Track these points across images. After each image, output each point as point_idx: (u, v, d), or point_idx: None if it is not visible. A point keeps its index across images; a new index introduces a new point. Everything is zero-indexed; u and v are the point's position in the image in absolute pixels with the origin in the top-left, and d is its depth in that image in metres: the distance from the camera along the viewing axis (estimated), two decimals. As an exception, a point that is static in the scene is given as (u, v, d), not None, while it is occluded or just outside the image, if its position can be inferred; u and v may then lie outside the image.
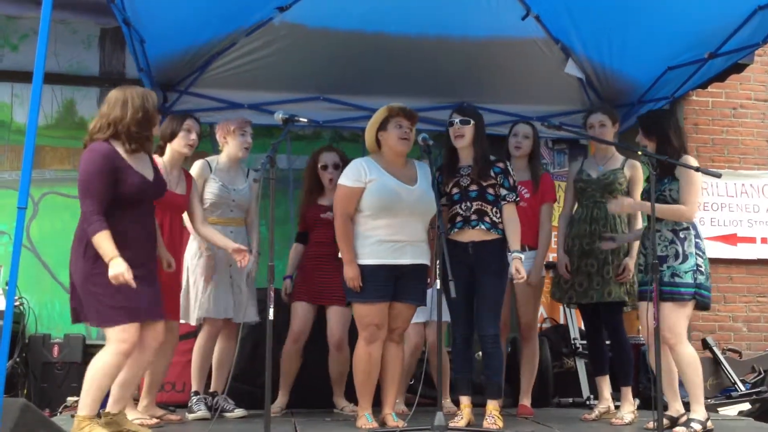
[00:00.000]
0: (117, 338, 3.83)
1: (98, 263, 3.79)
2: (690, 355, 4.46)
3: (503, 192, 4.65)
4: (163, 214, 4.61)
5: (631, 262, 4.97)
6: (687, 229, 4.52)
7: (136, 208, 3.98)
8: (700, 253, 4.50)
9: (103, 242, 3.76)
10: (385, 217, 4.46)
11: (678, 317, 4.43)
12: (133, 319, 3.85)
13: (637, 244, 4.95)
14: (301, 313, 5.29)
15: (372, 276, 4.43)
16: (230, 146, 5.15)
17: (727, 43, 5.55)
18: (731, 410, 6.03)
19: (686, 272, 4.43)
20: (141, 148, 4.00)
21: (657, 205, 4.34)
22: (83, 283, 3.86)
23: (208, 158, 5.16)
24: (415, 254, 4.52)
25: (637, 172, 5.12)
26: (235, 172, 5.18)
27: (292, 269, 5.45)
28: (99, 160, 3.86)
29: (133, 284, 3.75)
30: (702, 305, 4.52)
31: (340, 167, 5.23)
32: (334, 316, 5.26)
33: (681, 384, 4.60)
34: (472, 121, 4.69)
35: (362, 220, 4.51)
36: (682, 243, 4.48)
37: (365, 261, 4.46)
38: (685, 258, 4.45)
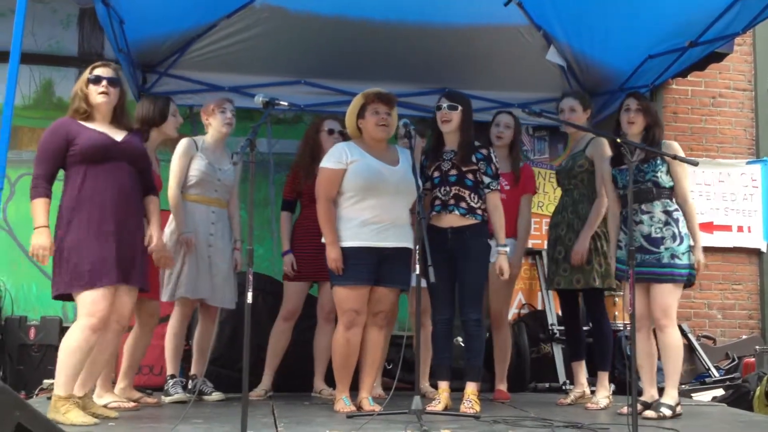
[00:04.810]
0: (85, 312, 3.87)
1: (72, 228, 3.92)
2: (677, 340, 4.54)
3: (486, 180, 4.65)
4: None
5: (579, 246, 4.97)
6: (677, 210, 4.58)
7: (105, 167, 4.03)
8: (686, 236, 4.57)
9: (38, 208, 3.96)
10: (368, 197, 4.45)
11: (673, 300, 4.51)
12: (94, 285, 3.88)
13: (589, 230, 4.97)
14: (297, 291, 5.31)
15: (354, 258, 4.42)
16: (213, 125, 5.16)
17: (708, 32, 5.58)
18: (705, 396, 6.10)
19: (683, 253, 4.48)
20: (87, 115, 4.14)
21: (690, 225, 4.55)
22: (58, 248, 3.93)
23: (194, 137, 5.14)
24: (399, 237, 4.51)
25: (599, 149, 5.04)
26: (221, 153, 5.18)
27: (289, 242, 5.34)
28: (51, 128, 4.11)
29: (46, 262, 3.96)
30: (689, 284, 4.60)
31: (345, 134, 5.20)
32: (329, 290, 5.24)
33: (658, 370, 4.66)
34: (460, 107, 4.70)
35: (345, 202, 4.50)
36: (677, 224, 4.52)
37: (348, 243, 4.45)
38: (682, 239, 4.51)
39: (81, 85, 4.16)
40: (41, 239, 3.90)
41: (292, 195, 5.41)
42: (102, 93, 4.13)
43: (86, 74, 4.17)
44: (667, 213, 4.56)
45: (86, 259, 3.89)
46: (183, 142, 5.06)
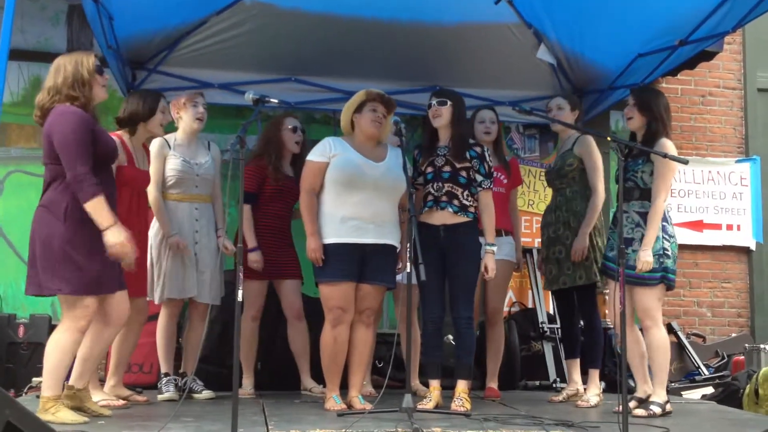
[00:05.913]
0: (74, 315, 3.80)
1: (84, 228, 3.72)
2: (661, 339, 4.52)
3: (479, 178, 4.65)
4: (131, 191, 4.56)
5: (578, 243, 4.97)
6: None
7: (104, 172, 3.94)
8: (667, 237, 4.53)
9: (101, 208, 3.69)
10: (348, 192, 4.45)
11: (650, 300, 4.49)
12: (100, 291, 3.83)
13: (587, 226, 4.98)
14: (260, 290, 5.24)
15: (335, 255, 4.42)
16: (184, 120, 5.09)
17: (697, 30, 5.59)
18: (695, 394, 6.12)
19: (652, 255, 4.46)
20: (84, 107, 3.87)
21: (648, 223, 4.44)
22: (61, 247, 3.73)
23: (165, 136, 5.01)
24: (380, 234, 4.49)
25: (586, 147, 5.08)
26: (195, 147, 5.11)
27: (254, 238, 5.15)
28: (78, 120, 3.77)
29: (132, 258, 3.80)
30: (668, 287, 4.58)
31: (304, 132, 5.31)
32: (290, 288, 5.27)
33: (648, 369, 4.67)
34: (449, 102, 4.70)
35: (327, 197, 4.50)
36: None
37: (328, 240, 4.45)
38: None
39: (85, 71, 3.85)
40: (119, 236, 3.69)
41: (256, 188, 5.19)
42: (105, 86, 3.96)
43: (91, 61, 3.91)
44: (641, 215, 4.54)
45: (94, 263, 3.77)
46: (154, 143, 4.97)
